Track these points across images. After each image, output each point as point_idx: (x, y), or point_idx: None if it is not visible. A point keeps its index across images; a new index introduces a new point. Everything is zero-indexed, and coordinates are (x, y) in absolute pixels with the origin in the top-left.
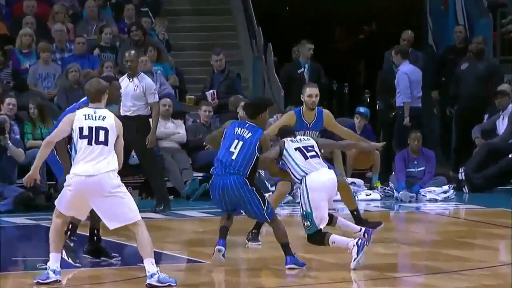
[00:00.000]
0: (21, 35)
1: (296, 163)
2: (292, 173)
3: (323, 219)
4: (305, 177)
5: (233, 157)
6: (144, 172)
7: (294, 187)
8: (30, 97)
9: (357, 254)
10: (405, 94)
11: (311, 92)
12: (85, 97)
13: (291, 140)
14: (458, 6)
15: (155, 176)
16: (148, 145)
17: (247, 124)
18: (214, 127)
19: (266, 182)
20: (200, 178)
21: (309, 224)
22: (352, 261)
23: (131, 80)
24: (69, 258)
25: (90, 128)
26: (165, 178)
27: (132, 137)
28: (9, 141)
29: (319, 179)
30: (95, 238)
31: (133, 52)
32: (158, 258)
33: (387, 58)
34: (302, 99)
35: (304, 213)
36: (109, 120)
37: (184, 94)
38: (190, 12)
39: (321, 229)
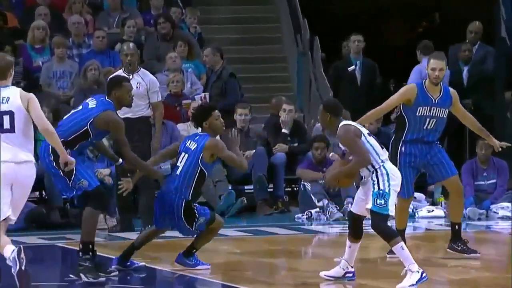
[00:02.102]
0: (33, 28)
1: (374, 149)
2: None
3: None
4: (383, 164)
5: (178, 172)
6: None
7: (345, 202)
8: (44, 99)
9: (415, 283)
10: None
11: (435, 65)
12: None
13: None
14: None
15: (149, 189)
16: (152, 151)
17: (198, 136)
18: (253, 131)
19: (313, 196)
20: (237, 191)
21: (382, 203)
22: (404, 280)
23: (131, 77)
24: (89, 278)
25: None
26: None
27: (133, 141)
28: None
29: (398, 171)
30: (90, 253)
31: (131, 44)
32: (189, 283)
33: (452, 54)
34: (426, 71)
35: (380, 191)
36: (14, 101)
37: None
38: (226, 1)
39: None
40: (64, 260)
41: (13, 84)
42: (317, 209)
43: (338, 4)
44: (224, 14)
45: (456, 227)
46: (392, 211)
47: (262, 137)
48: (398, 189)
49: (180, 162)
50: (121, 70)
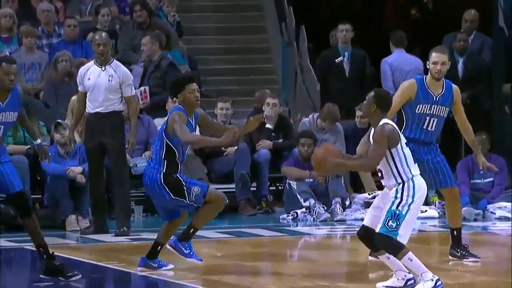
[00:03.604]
0: None
1: (407, 162)
2: (398, 172)
3: (408, 236)
4: (413, 179)
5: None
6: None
7: (333, 202)
8: None
9: None
10: (385, 87)
11: (436, 59)
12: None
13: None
14: None
15: (124, 188)
16: (129, 148)
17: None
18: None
19: (299, 196)
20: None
21: (393, 226)
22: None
23: (102, 68)
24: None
25: None
26: None
27: (106, 138)
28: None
29: (424, 187)
30: (45, 256)
31: (103, 34)
32: None
33: (447, 44)
34: (428, 67)
35: (396, 211)
36: None
37: (199, 88)
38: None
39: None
40: (33, 263)
41: None
42: (303, 209)
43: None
44: (205, 2)
45: (455, 232)
46: (401, 235)
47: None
48: (418, 211)
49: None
50: (93, 61)
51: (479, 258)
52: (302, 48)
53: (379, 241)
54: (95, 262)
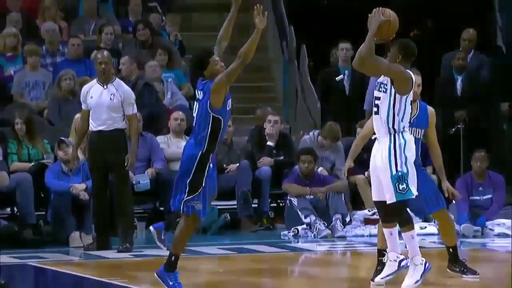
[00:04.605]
0: (4, 35)
1: (404, 116)
2: (393, 121)
3: (415, 185)
4: (403, 132)
5: (194, 124)
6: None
7: (334, 218)
8: (16, 110)
9: (420, 277)
10: (367, 101)
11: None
12: None
13: None
14: None
15: (126, 205)
16: (128, 166)
17: (201, 85)
18: (236, 144)
19: (299, 212)
20: (219, 207)
21: (404, 187)
22: (408, 277)
23: (104, 87)
24: None
25: None
26: None
27: (109, 155)
28: None
29: (413, 147)
30: None
31: (106, 52)
32: None
33: (446, 63)
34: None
35: (399, 173)
36: None
37: None
38: (207, 7)
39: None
40: (36, 279)
41: None
42: (304, 226)
43: (326, 10)
44: (206, 21)
45: (451, 250)
46: (415, 191)
47: (246, 150)
48: (412, 163)
49: (195, 113)
50: (96, 79)
51: (478, 274)
52: (303, 66)
53: (394, 210)
54: (98, 278)
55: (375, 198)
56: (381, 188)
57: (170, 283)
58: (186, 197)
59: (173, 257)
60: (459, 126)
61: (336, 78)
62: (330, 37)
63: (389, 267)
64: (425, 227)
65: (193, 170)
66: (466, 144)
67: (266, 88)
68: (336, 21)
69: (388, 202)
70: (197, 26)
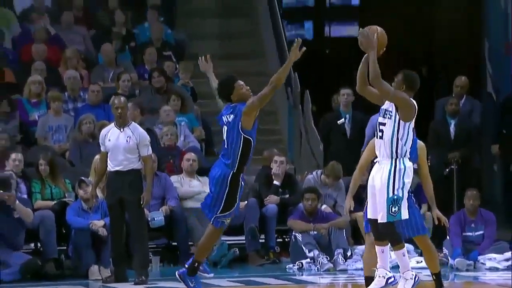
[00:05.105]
0: (29, 83)
1: (407, 142)
2: (396, 145)
3: (406, 211)
4: (404, 158)
5: (225, 145)
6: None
7: (336, 253)
8: (40, 152)
9: None
10: (366, 143)
11: None
12: None
13: None
14: None
15: (142, 240)
16: (143, 204)
17: (231, 108)
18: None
19: (304, 247)
20: (229, 242)
21: (396, 210)
22: None
23: (121, 130)
24: None
25: None
26: (190, 242)
27: (125, 194)
28: (16, 200)
29: (411, 174)
30: None
31: (122, 98)
32: None
33: (439, 107)
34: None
35: (394, 197)
36: None
37: (211, 147)
38: (218, 56)
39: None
40: None
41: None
42: (308, 260)
43: (328, 58)
44: (216, 68)
45: (434, 276)
46: (405, 214)
47: (254, 189)
48: (408, 188)
49: (225, 136)
50: (113, 123)
51: None
52: (307, 111)
53: (384, 229)
54: None
55: (369, 215)
56: (376, 207)
57: (191, 284)
58: (220, 213)
59: (196, 263)
60: (452, 166)
61: (338, 122)
62: (332, 84)
63: (378, 282)
64: (421, 261)
65: (227, 190)
66: (459, 183)
67: (273, 131)
68: (338, 69)
69: (379, 221)
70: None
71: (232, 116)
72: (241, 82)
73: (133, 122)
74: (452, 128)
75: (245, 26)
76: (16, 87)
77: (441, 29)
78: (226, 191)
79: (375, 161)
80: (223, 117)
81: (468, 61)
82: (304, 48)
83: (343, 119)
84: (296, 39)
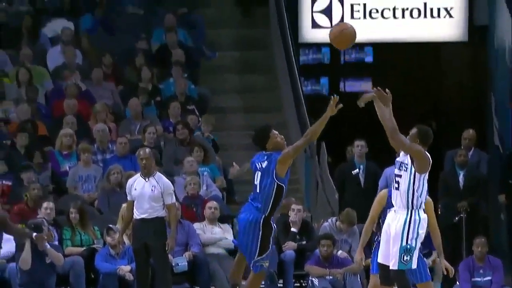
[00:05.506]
0: (61, 136)
1: (422, 193)
2: (412, 197)
3: (416, 261)
4: (419, 210)
5: (257, 190)
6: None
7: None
8: (70, 200)
9: None
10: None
11: None
12: None
13: None
14: None
15: (167, 285)
16: (168, 250)
17: (265, 155)
18: None
19: None
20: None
21: (408, 259)
22: None
23: (146, 180)
24: None
25: None
26: (212, 287)
27: (150, 240)
28: (47, 243)
29: (426, 225)
30: None
31: (147, 149)
32: None
33: (449, 158)
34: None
35: (407, 246)
36: None
37: (232, 196)
38: (238, 109)
39: None
40: None
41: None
42: None
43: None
44: (237, 121)
45: None
46: (415, 264)
47: (272, 236)
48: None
49: (257, 181)
50: (139, 173)
51: None
52: (323, 161)
53: (396, 276)
54: None
55: (380, 260)
56: (388, 253)
57: None
58: (257, 258)
59: None
60: (461, 215)
61: (353, 172)
62: (346, 136)
63: None
64: None
65: (261, 234)
66: (468, 231)
67: (291, 181)
68: (352, 122)
69: (391, 268)
70: (228, 126)
71: (266, 163)
72: (276, 132)
73: (158, 172)
74: (461, 178)
75: (264, 82)
76: (48, 139)
77: (449, 85)
78: (260, 234)
79: (390, 210)
80: (256, 164)
81: (475, 115)
82: (340, 105)
83: (357, 169)
84: (332, 96)
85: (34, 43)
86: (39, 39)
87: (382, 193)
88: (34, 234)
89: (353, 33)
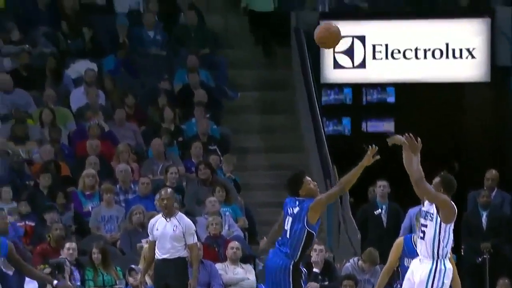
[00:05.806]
0: (84, 176)
1: (447, 243)
2: (438, 247)
3: None
4: (445, 259)
5: (287, 235)
6: None
7: None
8: (93, 241)
9: None
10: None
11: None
12: None
13: None
14: None
15: None
16: None
17: (297, 201)
18: None
19: None
20: None
21: None
22: None
23: (168, 220)
24: None
25: None
26: None
27: (172, 280)
28: (68, 282)
29: (451, 274)
30: None
31: (169, 190)
32: None
33: (472, 199)
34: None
35: None
36: None
37: (254, 236)
38: (260, 149)
39: None
40: None
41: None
42: None
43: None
44: (259, 161)
45: None
46: None
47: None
48: None
49: (287, 226)
50: (161, 214)
51: None
52: (345, 202)
53: None
54: None
55: None
56: None
57: None
58: None
59: None
60: (485, 256)
61: (375, 212)
62: (368, 176)
63: None
64: None
65: (292, 280)
66: (491, 271)
67: None
68: (374, 162)
69: None
70: (249, 166)
71: (297, 209)
72: (309, 178)
73: (179, 212)
74: (484, 219)
75: (286, 122)
76: (71, 180)
77: (471, 126)
78: (291, 281)
79: (412, 257)
80: (288, 208)
81: (497, 155)
82: (378, 156)
83: (379, 210)
84: (370, 147)
85: (58, 84)
86: (63, 80)
87: (398, 241)
88: (55, 282)
89: (338, 31)
